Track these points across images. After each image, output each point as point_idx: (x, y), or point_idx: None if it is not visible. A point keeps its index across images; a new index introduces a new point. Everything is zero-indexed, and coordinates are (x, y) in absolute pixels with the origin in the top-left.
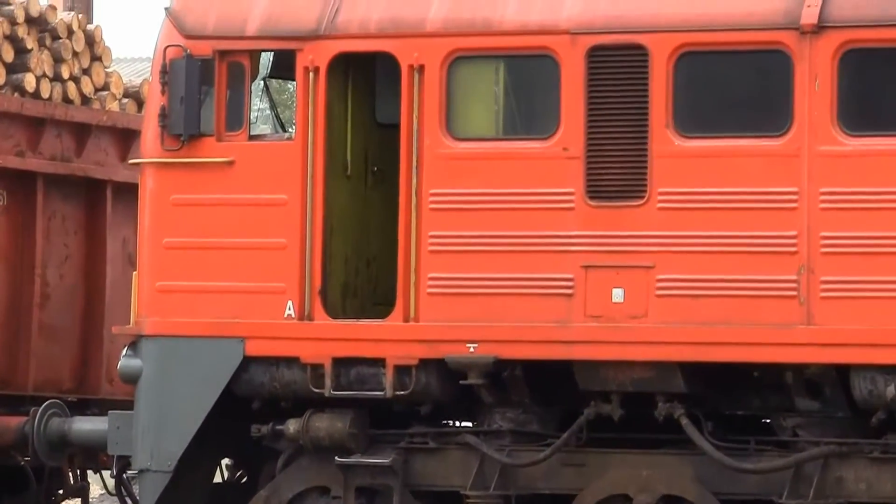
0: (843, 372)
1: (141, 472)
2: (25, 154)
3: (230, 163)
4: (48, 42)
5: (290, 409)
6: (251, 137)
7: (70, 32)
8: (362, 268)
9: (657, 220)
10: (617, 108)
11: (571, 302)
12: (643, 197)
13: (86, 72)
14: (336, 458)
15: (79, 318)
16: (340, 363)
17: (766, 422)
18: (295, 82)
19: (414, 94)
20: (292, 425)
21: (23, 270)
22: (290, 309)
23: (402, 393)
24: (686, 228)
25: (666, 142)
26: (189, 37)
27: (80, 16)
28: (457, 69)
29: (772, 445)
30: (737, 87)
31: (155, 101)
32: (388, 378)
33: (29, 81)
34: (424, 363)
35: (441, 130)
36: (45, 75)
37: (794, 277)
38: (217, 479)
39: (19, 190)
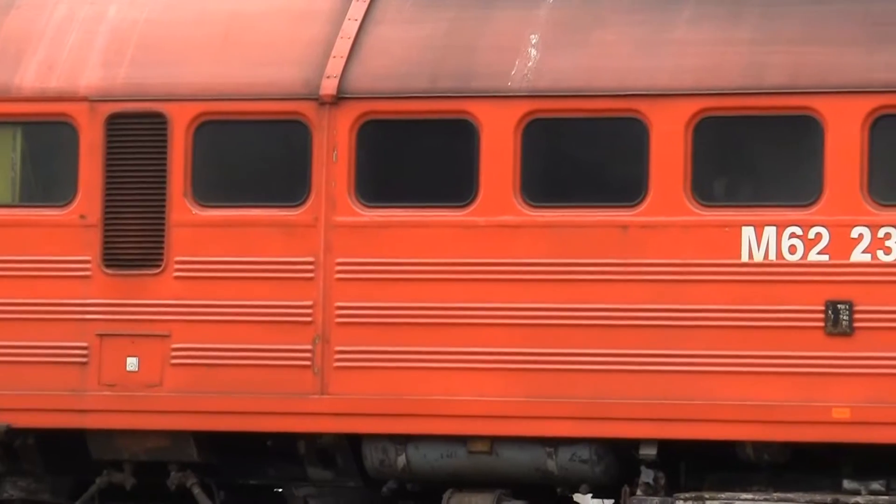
0: (356, 441)
1: None
2: None
3: None
4: None
5: None
6: None
7: None
8: None
9: (174, 289)
10: (135, 176)
11: (86, 370)
12: (160, 266)
13: None
14: None
15: None
16: None
17: (278, 491)
18: None
19: None
20: None
21: None
22: None
23: None
24: (202, 297)
25: (184, 210)
26: None
27: None
28: None
29: None
30: (256, 157)
31: None
32: None
33: None
34: None
35: None
36: None
37: (308, 347)
38: None
39: None
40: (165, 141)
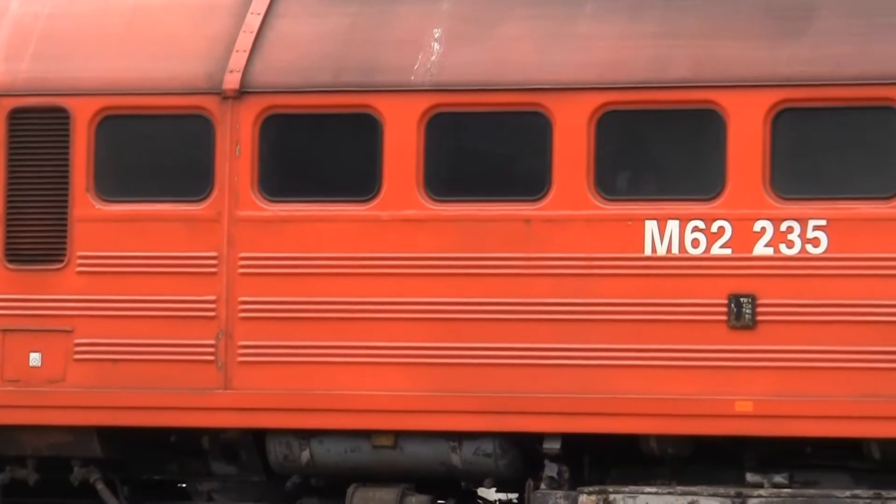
0: (260, 436)
1: None
2: None
3: None
4: None
5: None
6: None
7: None
8: None
9: (77, 285)
10: (38, 171)
11: None
12: (63, 261)
13: None
14: None
15: None
16: None
17: (182, 486)
18: None
19: None
20: None
21: None
22: None
23: None
24: (106, 292)
25: (87, 205)
26: None
27: None
28: None
29: None
30: (160, 152)
31: None
32: None
33: None
34: None
35: None
36: None
37: (212, 342)
38: None
39: None
40: (68, 136)
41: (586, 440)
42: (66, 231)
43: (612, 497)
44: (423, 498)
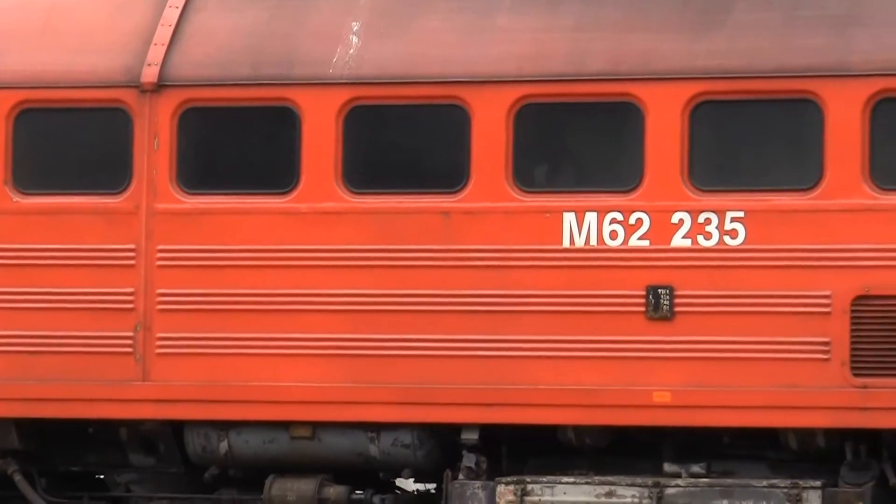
0: (178, 428)
1: None
2: None
3: None
4: None
5: None
6: None
7: None
8: None
9: None
10: None
11: None
12: None
13: None
14: None
15: None
16: None
17: (100, 478)
18: None
19: None
20: None
21: None
22: None
23: None
24: (24, 285)
25: (4, 198)
26: None
27: None
28: None
29: (106, 502)
30: (78, 145)
31: None
32: None
33: None
34: None
35: None
36: None
37: (130, 334)
38: None
39: None
40: None
41: (504, 431)
42: None
43: (529, 487)
44: (341, 489)
